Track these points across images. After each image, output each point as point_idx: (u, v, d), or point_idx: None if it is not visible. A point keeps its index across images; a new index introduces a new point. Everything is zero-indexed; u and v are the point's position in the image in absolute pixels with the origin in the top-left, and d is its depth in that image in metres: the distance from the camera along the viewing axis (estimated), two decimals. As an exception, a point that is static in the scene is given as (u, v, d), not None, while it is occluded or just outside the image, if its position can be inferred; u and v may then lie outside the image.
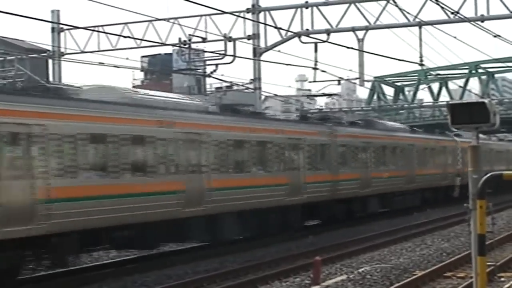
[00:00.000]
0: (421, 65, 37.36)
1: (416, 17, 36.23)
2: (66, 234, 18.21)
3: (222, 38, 38.65)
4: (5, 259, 16.97)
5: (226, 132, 24.35)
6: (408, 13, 36.03)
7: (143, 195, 20.36)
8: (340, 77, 41.20)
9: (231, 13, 34.35)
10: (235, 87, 54.55)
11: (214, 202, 22.90)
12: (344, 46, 30.31)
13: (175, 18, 39.40)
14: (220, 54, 39.28)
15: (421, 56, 36.59)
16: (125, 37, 34.97)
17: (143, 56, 77.47)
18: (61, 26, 41.14)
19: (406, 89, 74.48)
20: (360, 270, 19.05)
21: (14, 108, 17.15)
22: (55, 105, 18.33)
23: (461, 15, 33.29)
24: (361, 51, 37.52)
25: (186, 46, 42.04)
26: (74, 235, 18.58)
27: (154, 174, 21.00)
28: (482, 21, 35.44)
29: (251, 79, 41.10)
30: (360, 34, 37.64)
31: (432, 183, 42.87)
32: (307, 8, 38.49)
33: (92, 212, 18.65)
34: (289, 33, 38.22)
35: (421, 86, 70.78)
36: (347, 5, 37.83)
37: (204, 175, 22.91)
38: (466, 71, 70.01)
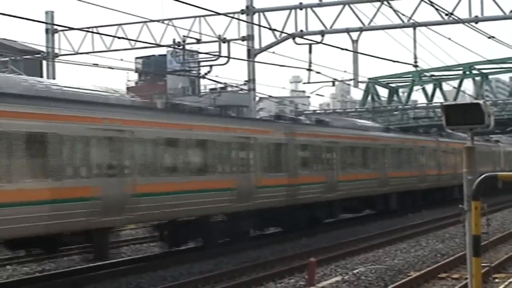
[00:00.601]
0: (415, 66, 37.29)
1: (410, 18, 36.23)
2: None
3: (216, 39, 38.59)
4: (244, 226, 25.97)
5: (396, 144, 38.74)
6: (402, 14, 36.00)
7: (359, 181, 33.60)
8: (334, 78, 41.26)
9: (225, 14, 34.33)
10: (229, 88, 54.58)
11: (390, 185, 37.19)
12: (338, 48, 30.28)
13: (169, 19, 39.34)
14: (214, 55, 39.19)
15: (415, 57, 36.57)
16: (119, 38, 34.98)
17: (137, 57, 77.58)
18: (55, 27, 41.03)
19: (400, 90, 74.46)
20: (354, 271, 19.05)
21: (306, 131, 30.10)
22: (343, 132, 33.18)
23: (455, 16, 33.28)
24: (355, 52, 37.52)
25: (180, 47, 42.05)
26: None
27: (364, 168, 34.45)
28: (476, 22, 35.43)
29: (246, 80, 41.03)
30: (354, 35, 37.66)
31: None
32: (301, 9, 38.47)
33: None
34: (283, 34, 38.21)
35: (415, 87, 70.78)
36: (341, 6, 37.83)
37: (387, 170, 36.79)
38: (460, 72, 69.98)
